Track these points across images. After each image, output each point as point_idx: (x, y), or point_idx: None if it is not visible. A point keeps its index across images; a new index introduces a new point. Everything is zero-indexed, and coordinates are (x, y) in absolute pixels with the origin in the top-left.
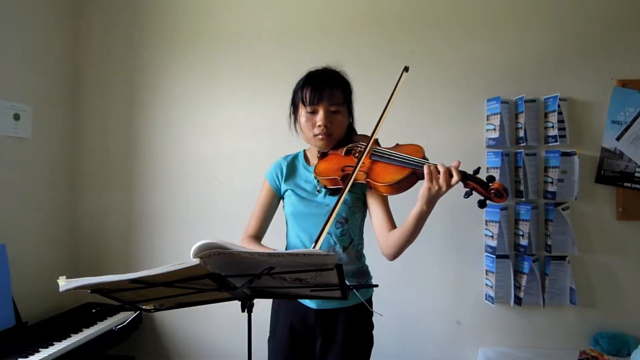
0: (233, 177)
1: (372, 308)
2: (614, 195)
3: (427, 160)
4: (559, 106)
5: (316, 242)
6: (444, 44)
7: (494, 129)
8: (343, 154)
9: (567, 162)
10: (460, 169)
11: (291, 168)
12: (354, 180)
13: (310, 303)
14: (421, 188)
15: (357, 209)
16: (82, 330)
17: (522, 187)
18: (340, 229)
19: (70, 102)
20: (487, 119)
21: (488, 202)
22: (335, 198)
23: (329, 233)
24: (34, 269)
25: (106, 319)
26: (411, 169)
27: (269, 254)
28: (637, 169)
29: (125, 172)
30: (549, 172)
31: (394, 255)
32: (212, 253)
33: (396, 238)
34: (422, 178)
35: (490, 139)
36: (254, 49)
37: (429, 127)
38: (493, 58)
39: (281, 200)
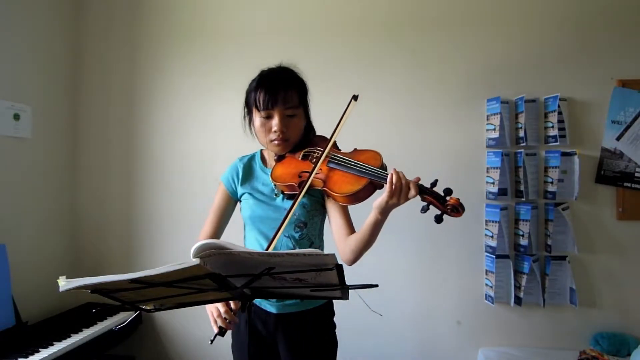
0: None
1: (333, 309)
2: (614, 195)
3: (385, 167)
4: (559, 106)
5: (268, 247)
6: (444, 44)
7: (494, 129)
8: (300, 158)
9: (567, 162)
10: (424, 182)
11: (247, 170)
12: (312, 186)
13: (270, 307)
14: (378, 198)
15: (317, 212)
16: (82, 330)
17: (522, 187)
18: (299, 233)
19: (70, 102)
20: (487, 119)
21: (445, 216)
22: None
23: (287, 237)
24: (34, 269)
25: (106, 319)
26: (369, 179)
27: (269, 254)
28: (637, 169)
29: (125, 172)
30: (549, 172)
31: (352, 261)
32: (212, 253)
33: (353, 244)
34: (380, 188)
35: (490, 139)
36: (252, 47)
37: (429, 127)
38: (493, 58)
39: (237, 204)
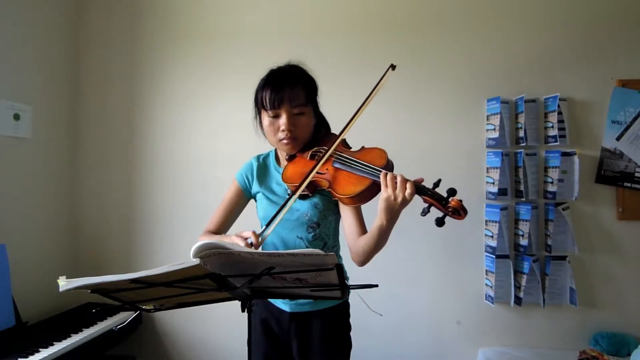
0: (233, 177)
1: (349, 310)
2: (614, 195)
3: (392, 165)
4: (559, 106)
5: (262, 232)
6: (444, 43)
7: (494, 129)
8: (308, 158)
9: (567, 162)
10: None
11: (262, 169)
12: (319, 186)
13: (283, 306)
14: (379, 201)
15: (330, 212)
16: (82, 330)
17: (522, 187)
18: (312, 234)
19: (70, 102)
20: (487, 119)
21: (447, 219)
22: (305, 202)
23: (300, 238)
24: (34, 269)
25: (106, 319)
26: (371, 180)
27: (269, 254)
28: (637, 169)
29: (125, 172)
30: (549, 172)
31: (362, 263)
32: (212, 253)
33: (362, 246)
34: None
35: (490, 139)
36: (252, 48)
37: (430, 127)
38: (493, 58)
39: (249, 202)
